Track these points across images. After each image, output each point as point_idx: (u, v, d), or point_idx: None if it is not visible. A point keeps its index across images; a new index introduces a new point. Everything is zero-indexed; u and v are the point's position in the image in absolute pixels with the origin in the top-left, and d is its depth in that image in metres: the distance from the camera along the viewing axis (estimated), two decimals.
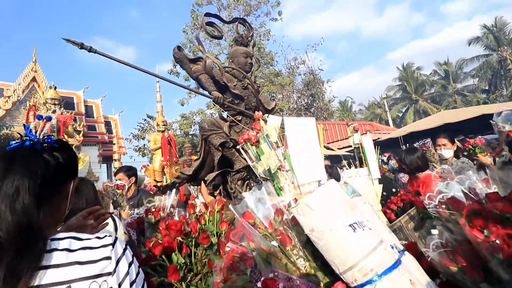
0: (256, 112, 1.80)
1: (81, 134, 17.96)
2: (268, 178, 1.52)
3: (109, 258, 0.65)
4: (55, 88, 11.59)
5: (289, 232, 1.00)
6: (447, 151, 2.80)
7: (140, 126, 16.99)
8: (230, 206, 1.13)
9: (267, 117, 1.95)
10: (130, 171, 3.02)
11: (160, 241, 1.14)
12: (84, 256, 0.62)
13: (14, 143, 0.70)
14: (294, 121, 1.67)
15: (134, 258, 0.70)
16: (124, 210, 2.11)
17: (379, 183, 2.36)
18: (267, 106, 2.60)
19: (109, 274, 0.63)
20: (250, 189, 2.08)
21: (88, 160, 12.48)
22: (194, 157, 9.20)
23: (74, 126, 16.51)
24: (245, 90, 2.43)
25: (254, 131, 1.66)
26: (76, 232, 0.68)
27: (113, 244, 0.67)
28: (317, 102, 19.56)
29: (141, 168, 10.12)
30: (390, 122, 22.13)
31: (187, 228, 1.29)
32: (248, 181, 2.18)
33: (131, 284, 0.65)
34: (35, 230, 0.59)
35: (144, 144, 16.39)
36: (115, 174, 3.03)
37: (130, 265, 0.67)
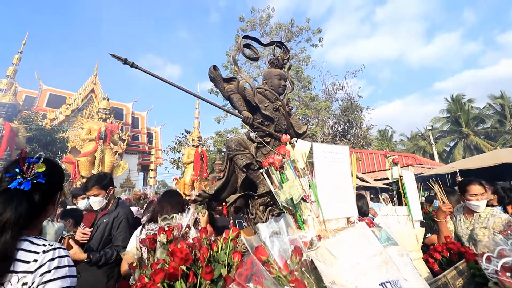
0: (284, 135, 1.69)
1: (125, 143, 19.47)
2: (290, 208, 1.37)
3: (36, 260, 0.82)
4: (108, 99, 12.81)
5: (307, 277, 0.85)
6: (483, 202, 2.33)
7: (177, 139, 17.86)
8: (241, 235, 1.01)
9: (295, 141, 1.83)
10: (105, 181, 2.30)
11: (166, 266, 1.05)
12: (23, 255, 0.82)
13: (7, 181, 0.90)
14: (324, 148, 1.52)
15: (66, 268, 0.85)
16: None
17: (421, 225, 2.05)
18: (298, 130, 2.50)
19: (29, 272, 0.80)
20: (272, 216, 1.95)
21: (127, 167, 13.23)
22: None
23: (120, 135, 17.99)
24: (276, 112, 2.36)
25: (279, 155, 1.55)
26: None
27: (45, 251, 0.84)
28: (354, 129, 18.83)
29: (173, 180, 10.46)
30: (436, 156, 20.27)
31: (197, 253, 1.19)
32: (271, 207, 2.05)
33: (44, 283, 0.80)
34: (8, 256, 0.79)
35: (179, 157, 17.08)
36: (85, 188, 2.23)
37: (51, 270, 0.82)
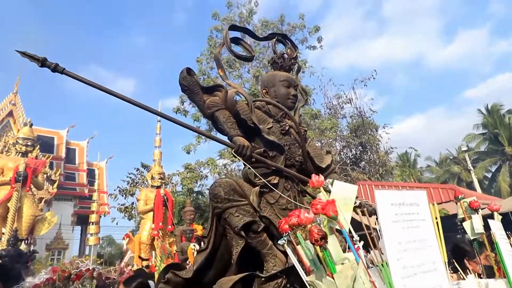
0: (313, 176, 1.36)
1: (55, 185, 18.41)
2: None
3: None
4: (31, 125, 12.17)
5: None
6: None
7: (130, 178, 17.08)
8: None
9: (330, 183, 1.50)
10: None
11: None
12: None
13: None
14: (392, 196, 1.20)
15: None
16: None
17: None
18: (319, 162, 2.44)
19: None
20: None
21: (56, 221, 12.26)
22: (198, 227, 8.69)
23: (48, 174, 17.00)
24: (285, 136, 2.29)
25: (310, 212, 1.23)
26: None
27: None
28: (369, 154, 18.96)
29: (123, 237, 9.67)
30: (476, 184, 20.60)
31: None
32: None
33: None
34: None
35: (133, 203, 16.22)
36: None
37: None
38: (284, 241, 1.30)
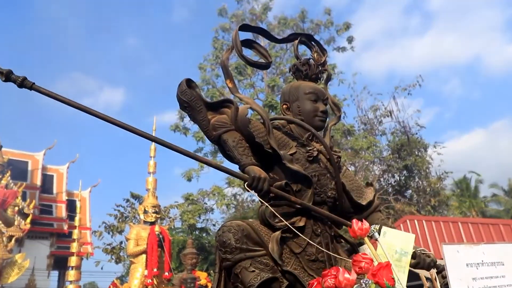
0: (355, 222, 1.27)
1: (28, 219, 18.66)
2: None
3: None
4: (0, 147, 12.45)
5: None
6: None
7: (118, 211, 17.20)
8: None
9: (376, 231, 1.42)
10: None
11: None
12: None
13: None
14: (463, 251, 1.09)
15: None
16: None
17: None
18: (358, 198, 2.37)
19: None
20: None
21: (27, 265, 12.33)
22: (201, 275, 8.55)
23: (20, 207, 17.30)
24: (313, 165, 2.25)
25: (352, 273, 1.16)
26: None
27: None
28: (417, 180, 18.62)
29: (109, 287, 9.57)
30: None
31: None
32: None
33: None
34: None
35: (121, 242, 16.24)
36: None
37: None
38: None
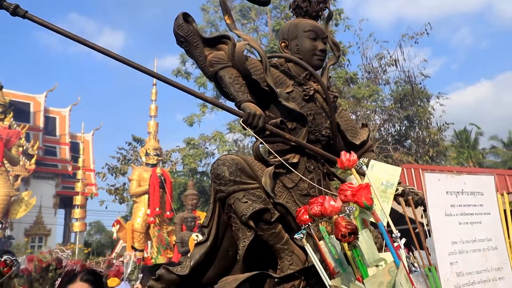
0: (343, 153, 1.31)
1: (33, 160, 19.04)
2: None
3: None
4: (1, 88, 12.43)
5: None
6: None
7: (121, 153, 17.46)
8: None
9: (364, 164, 1.45)
10: None
11: None
12: None
13: None
14: (446, 180, 1.14)
15: None
16: None
17: None
18: (352, 138, 2.41)
19: None
20: None
21: (34, 203, 12.77)
22: (201, 214, 8.87)
23: (24, 147, 17.57)
24: (309, 104, 2.25)
25: (337, 201, 1.21)
26: None
27: None
28: (417, 130, 18.65)
29: (113, 224, 10.00)
30: None
31: None
32: None
33: None
34: None
35: (125, 184, 16.66)
36: None
37: None
38: (302, 236, 1.27)
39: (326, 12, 2.54)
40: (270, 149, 2.06)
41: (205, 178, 16.79)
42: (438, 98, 18.93)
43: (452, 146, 22.43)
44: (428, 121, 18.84)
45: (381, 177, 1.43)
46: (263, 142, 2.05)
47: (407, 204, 2.08)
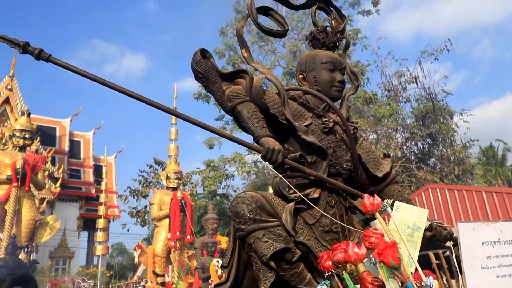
0: (366, 197, 1.25)
1: (58, 183, 19.41)
2: None
3: None
4: (29, 114, 12.82)
5: None
6: None
7: (142, 176, 17.63)
8: None
9: (389, 205, 1.39)
10: None
11: None
12: None
13: None
14: (478, 228, 1.06)
15: None
16: None
17: None
18: (375, 170, 2.33)
19: None
20: None
21: (58, 226, 12.93)
22: (222, 239, 8.78)
23: (50, 171, 17.95)
24: (329, 136, 2.22)
25: (361, 247, 1.15)
26: None
27: None
28: (441, 148, 18.21)
29: (135, 249, 9.99)
30: None
31: None
32: None
33: None
34: None
35: (146, 206, 16.76)
36: None
37: None
38: (326, 286, 1.21)
39: (343, 42, 2.52)
40: (290, 185, 2.01)
41: (225, 200, 16.73)
42: (462, 115, 18.51)
43: (478, 164, 21.76)
44: (452, 138, 18.39)
45: (407, 220, 1.36)
46: (282, 178, 1.99)
47: (435, 239, 1.99)
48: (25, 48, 1.81)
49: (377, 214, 1.27)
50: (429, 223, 1.94)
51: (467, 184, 17.52)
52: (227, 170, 16.12)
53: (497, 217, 11.92)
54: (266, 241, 1.81)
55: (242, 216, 1.83)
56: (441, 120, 18.14)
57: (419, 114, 17.96)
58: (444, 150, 18.33)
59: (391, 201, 1.42)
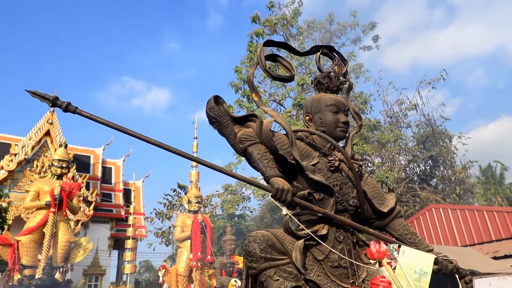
0: (372, 244, 1.17)
1: (91, 206, 19.50)
2: None
3: None
4: (66, 146, 13.03)
5: None
6: None
7: (167, 199, 17.61)
8: None
9: (394, 250, 1.30)
10: None
11: None
12: None
13: None
14: (496, 285, 0.96)
15: None
16: None
17: None
18: (380, 205, 2.22)
19: None
20: None
21: (91, 247, 12.89)
22: (239, 259, 8.61)
23: (84, 195, 18.09)
24: (335, 174, 2.15)
25: None
26: None
27: None
28: (442, 169, 17.78)
29: (159, 268, 9.86)
30: None
31: None
32: None
33: None
34: None
35: (170, 227, 16.65)
36: None
37: None
38: None
39: (346, 85, 2.48)
40: (299, 223, 1.93)
41: (242, 221, 16.53)
42: (460, 138, 18.14)
43: (478, 183, 21.14)
44: (452, 160, 17.98)
45: (414, 264, 1.27)
46: (291, 216, 1.90)
47: (441, 273, 1.86)
48: (54, 102, 1.82)
49: (384, 262, 1.18)
50: (435, 256, 1.82)
51: (469, 203, 16.98)
52: (244, 193, 16.00)
53: (499, 235, 11.41)
54: (277, 279, 1.73)
55: (254, 255, 1.76)
56: (441, 143, 17.81)
57: (420, 138, 17.68)
58: (445, 171, 17.91)
59: (397, 245, 1.33)
